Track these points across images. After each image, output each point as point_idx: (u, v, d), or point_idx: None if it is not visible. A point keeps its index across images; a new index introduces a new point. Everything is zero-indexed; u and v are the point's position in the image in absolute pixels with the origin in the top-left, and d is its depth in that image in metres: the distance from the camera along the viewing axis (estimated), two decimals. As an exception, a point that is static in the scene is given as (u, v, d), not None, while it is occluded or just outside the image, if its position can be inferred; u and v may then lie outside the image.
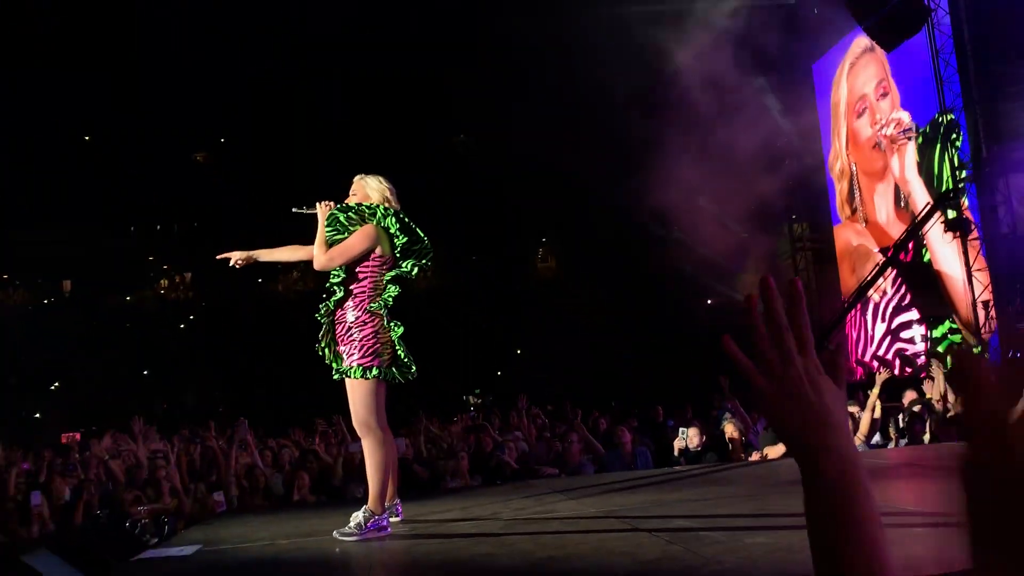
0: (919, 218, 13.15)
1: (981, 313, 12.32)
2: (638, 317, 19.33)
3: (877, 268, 13.81)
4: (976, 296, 12.39)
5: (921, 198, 13.36)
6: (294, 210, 4.27)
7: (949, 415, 7.23)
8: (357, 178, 4.37)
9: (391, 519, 4.11)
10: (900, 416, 7.31)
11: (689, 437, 6.73)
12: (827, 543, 0.85)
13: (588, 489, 5.12)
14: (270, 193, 21.08)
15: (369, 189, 4.26)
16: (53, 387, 20.99)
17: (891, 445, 7.03)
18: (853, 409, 7.23)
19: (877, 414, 7.04)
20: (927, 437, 6.99)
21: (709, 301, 19.93)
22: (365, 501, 4.00)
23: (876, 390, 7.22)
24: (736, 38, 13.90)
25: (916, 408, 7.46)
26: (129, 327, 21.79)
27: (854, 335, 15.27)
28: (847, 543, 0.83)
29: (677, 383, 14.41)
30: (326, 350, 4.18)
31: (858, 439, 6.90)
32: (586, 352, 19.68)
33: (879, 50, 13.80)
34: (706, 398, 10.56)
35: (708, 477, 5.46)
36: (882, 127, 14.21)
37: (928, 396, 7.74)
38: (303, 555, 3.60)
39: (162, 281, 23.98)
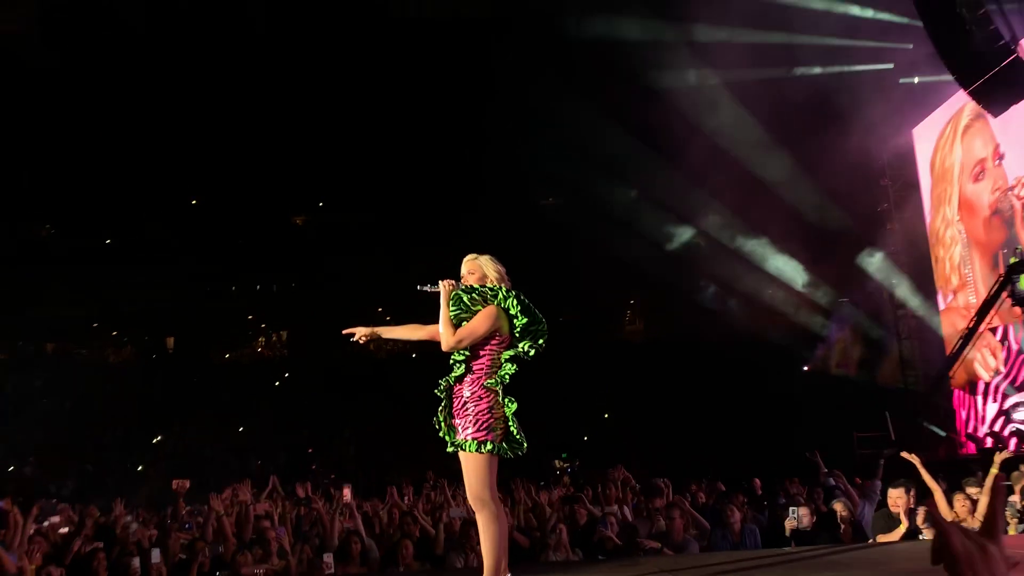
0: (992, 292, 12.58)
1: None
2: (730, 383, 18.92)
3: (965, 333, 13.18)
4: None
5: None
6: (419, 288, 4.39)
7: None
8: (471, 257, 4.46)
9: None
10: (1018, 499, 6.92)
11: (800, 517, 6.50)
12: None
13: (697, 570, 5.00)
14: (365, 256, 21.73)
15: (487, 269, 4.36)
16: (155, 440, 21.79)
17: (1011, 530, 6.64)
18: (972, 490, 6.89)
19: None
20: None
21: (805, 368, 19.42)
22: (468, 571, 4.00)
23: (995, 469, 6.87)
24: (834, 103, 13.82)
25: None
26: (228, 383, 22.55)
27: (963, 414, 14.58)
28: None
29: (774, 453, 13.99)
30: (442, 424, 4.27)
31: (977, 520, 6.56)
32: (676, 418, 19.33)
33: (987, 115, 13.42)
34: (808, 470, 10.21)
35: (822, 561, 5.26)
36: (1013, 188, 13.59)
37: None
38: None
39: (260, 339, 24.81)
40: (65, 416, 19.60)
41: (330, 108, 20.21)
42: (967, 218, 14.83)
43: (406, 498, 9.77)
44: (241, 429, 21.90)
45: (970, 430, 14.31)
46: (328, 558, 6.17)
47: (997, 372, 13.78)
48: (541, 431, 4.30)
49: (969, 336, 12.89)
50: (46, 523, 7.64)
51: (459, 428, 4.16)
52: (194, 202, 24.51)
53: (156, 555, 6.02)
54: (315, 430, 21.04)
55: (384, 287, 21.44)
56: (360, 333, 4.54)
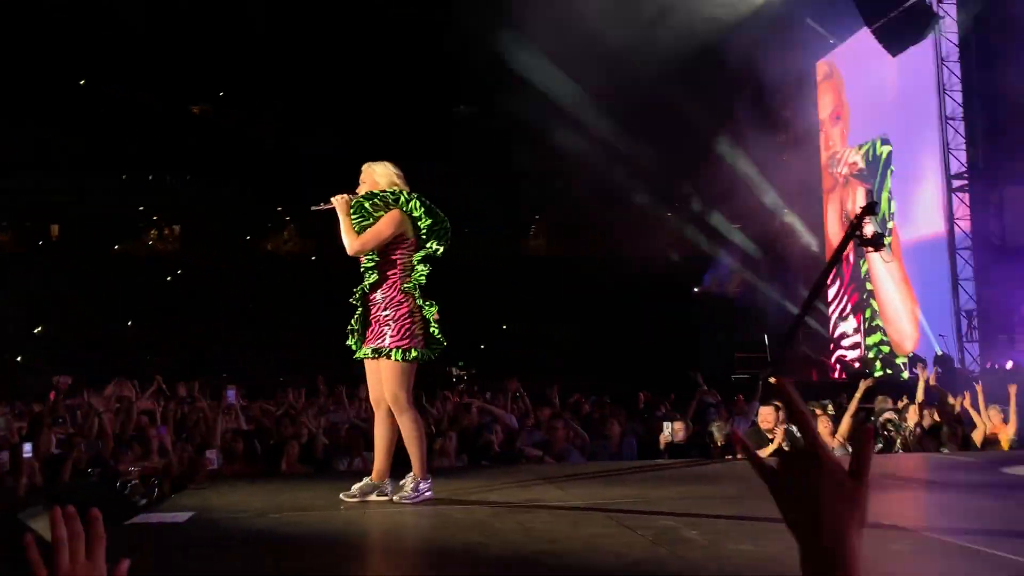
0: (845, 234, 13.35)
1: (965, 323, 12.54)
2: (625, 302, 19.43)
3: (823, 269, 13.97)
4: (961, 305, 12.59)
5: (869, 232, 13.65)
6: (312, 208, 4.43)
7: (921, 428, 7.40)
8: (365, 166, 4.49)
9: (380, 497, 4.27)
10: (875, 423, 7.44)
11: (675, 431, 6.83)
12: None
13: (575, 479, 5.22)
14: (266, 150, 20.98)
15: (377, 176, 4.42)
16: (37, 331, 20.91)
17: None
18: (820, 414, 7.35)
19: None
20: (898, 447, 7.15)
21: (696, 289, 20.08)
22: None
23: (858, 395, 7.36)
24: (744, 33, 13.94)
25: (888, 416, 7.59)
26: (115, 276, 21.69)
27: (836, 336, 15.48)
28: None
29: (660, 369, 14.54)
30: (357, 331, 4.29)
31: (837, 441, 7.04)
32: (571, 332, 19.79)
33: (836, 77, 14.34)
34: (688, 386, 10.64)
35: (692, 473, 5.58)
36: (835, 160, 14.73)
37: (900, 407, 7.90)
38: (297, 530, 3.67)
39: (151, 232, 23.82)
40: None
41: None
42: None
43: (299, 402, 9.76)
44: (130, 323, 21.24)
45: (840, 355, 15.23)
46: (212, 454, 6.15)
47: (840, 298, 14.82)
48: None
49: (826, 272, 13.53)
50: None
51: (377, 334, 4.22)
52: (83, 82, 22.98)
53: (27, 449, 5.85)
54: (207, 329, 20.59)
55: (283, 186, 20.83)
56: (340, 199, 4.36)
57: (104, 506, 3.91)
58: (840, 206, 15.05)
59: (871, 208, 11.85)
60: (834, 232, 15.29)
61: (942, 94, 12.94)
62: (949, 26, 13.00)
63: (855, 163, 14.64)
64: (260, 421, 8.09)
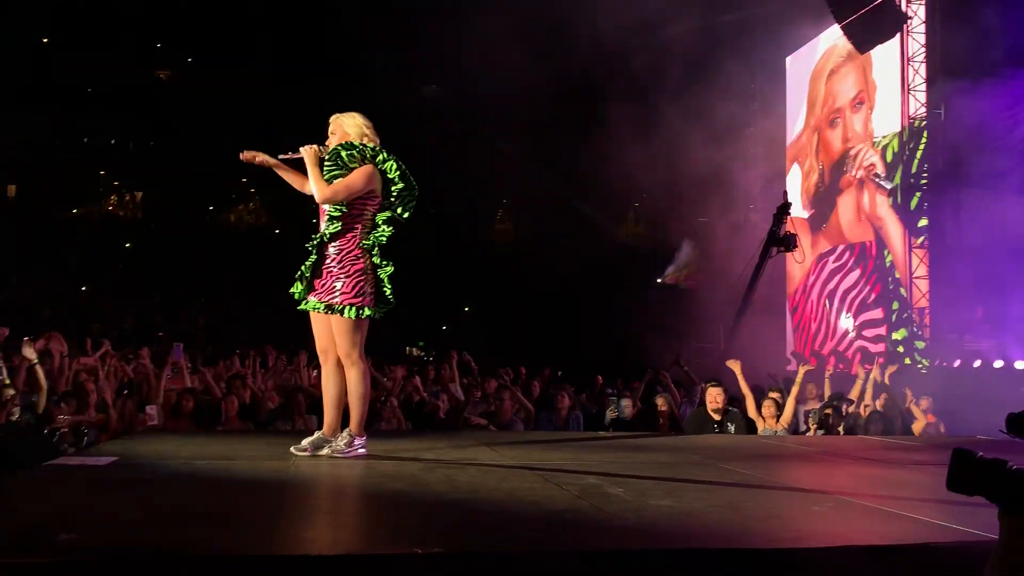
0: (771, 229, 13.38)
1: (916, 318, 12.73)
2: (588, 288, 19.48)
3: (756, 264, 13.78)
4: (914, 302, 12.78)
5: (895, 232, 13.48)
6: (280, 156, 4.34)
7: (867, 413, 7.52)
8: (334, 117, 4.43)
9: (323, 452, 4.25)
10: (820, 408, 7.53)
11: (623, 407, 6.85)
12: None
13: (513, 444, 5.21)
14: (233, 118, 20.68)
15: (347, 127, 4.36)
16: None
17: (808, 433, 7.26)
18: (774, 395, 7.42)
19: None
20: (840, 430, 7.26)
21: (659, 280, 20.15)
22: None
23: (799, 379, 7.45)
24: (711, 24, 13.98)
25: (837, 404, 7.69)
26: (72, 240, 21.29)
27: (813, 327, 15.52)
28: None
29: (618, 355, 14.58)
30: (307, 277, 4.23)
31: (781, 424, 7.12)
32: (533, 316, 19.80)
33: (861, 56, 13.89)
34: (640, 370, 10.65)
35: (630, 443, 5.59)
36: (849, 159, 14.38)
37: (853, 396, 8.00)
38: (218, 476, 3.62)
39: (111, 198, 23.39)
40: None
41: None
42: (824, 156, 15.54)
43: (248, 367, 9.64)
44: (84, 289, 20.87)
45: (816, 344, 15.28)
46: (151, 409, 6.06)
47: (858, 286, 14.60)
48: (403, 320, 4.39)
49: (756, 270, 13.48)
50: None
51: (328, 288, 4.18)
52: (46, 40, 22.46)
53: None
54: (165, 297, 20.30)
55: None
56: (259, 158, 4.36)
57: (27, 447, 3.84)
58: (857, 208, 14.54)
59: (786, 208, 11.93)
60: (846, 221, 14.82)
61: (906, 92, 13.08)
62: (916, 27, 13.10)
63: (871, 165, 14.16)
64: (208, 382, 7.98)
